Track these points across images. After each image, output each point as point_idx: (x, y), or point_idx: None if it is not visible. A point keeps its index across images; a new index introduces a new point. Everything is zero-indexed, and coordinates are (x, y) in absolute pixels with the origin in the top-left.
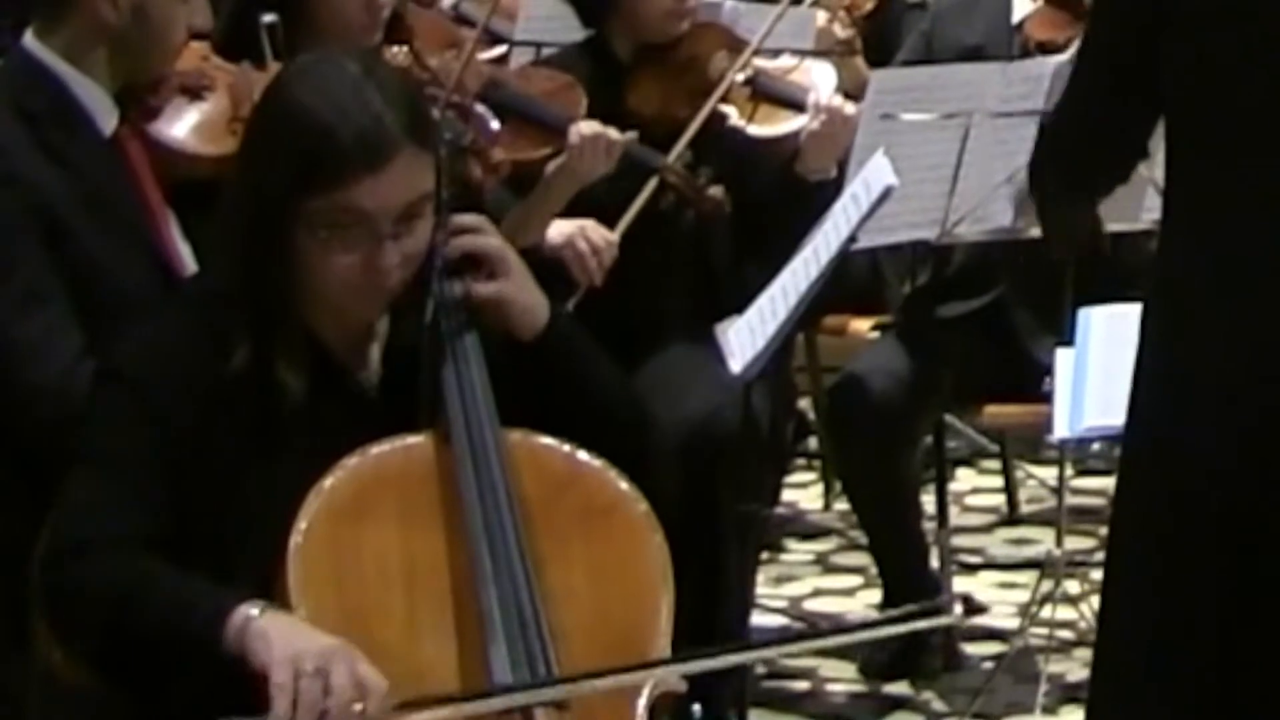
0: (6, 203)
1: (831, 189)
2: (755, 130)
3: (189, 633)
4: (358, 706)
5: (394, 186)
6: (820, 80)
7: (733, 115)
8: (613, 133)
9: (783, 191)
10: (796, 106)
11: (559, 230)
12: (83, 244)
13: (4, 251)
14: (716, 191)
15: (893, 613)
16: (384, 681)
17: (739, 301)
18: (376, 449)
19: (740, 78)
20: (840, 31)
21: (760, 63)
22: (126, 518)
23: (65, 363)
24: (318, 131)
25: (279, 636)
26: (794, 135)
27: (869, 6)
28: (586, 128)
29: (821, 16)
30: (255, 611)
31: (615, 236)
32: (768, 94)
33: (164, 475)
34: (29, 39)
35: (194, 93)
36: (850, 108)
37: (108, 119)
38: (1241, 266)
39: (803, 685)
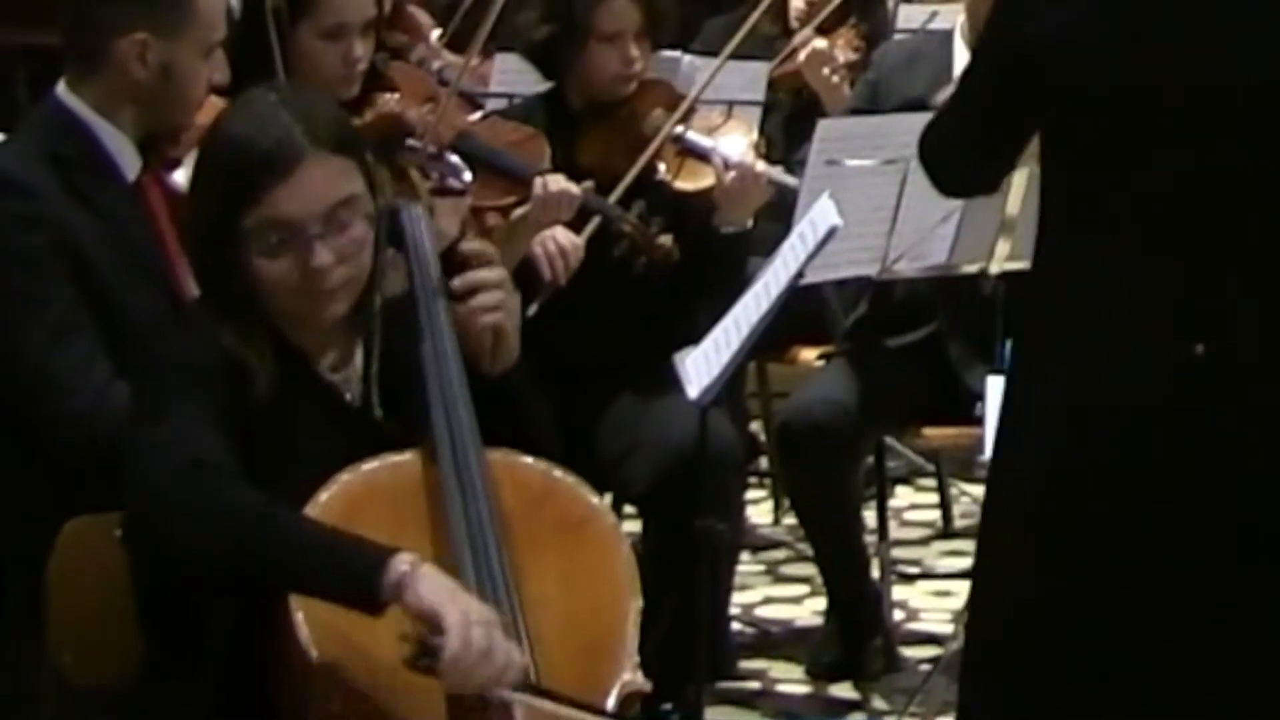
0: (37, 241)
1: (743, 241)
2: (679, 184)
3: (341, 570)
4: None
5: (308, 189)
6: (735, 139)
7: (661, 169)
8: (573, 187)
9: (700, 243)
10: (715, 163)
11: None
12: (106, 281)
13: (37, 286)
14: (666, 240)
15: None
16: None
17: (685, 335)
18: (367, 466)
19: (678, 131)
20: (843, 56)
21: (697, 119)
22: (222, 447)
23: (98, 389)
24: (237, 151)
25: (448, 585)
26: (713, 189)
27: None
28: (552, 183)
29: (820, 42)
30: (413, 559)
31: (581, 240)
32: (691, 150)
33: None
34: (62, 89)
35: None
36: (760, 166)
37: (131, 166)
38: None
39: (754, 685)
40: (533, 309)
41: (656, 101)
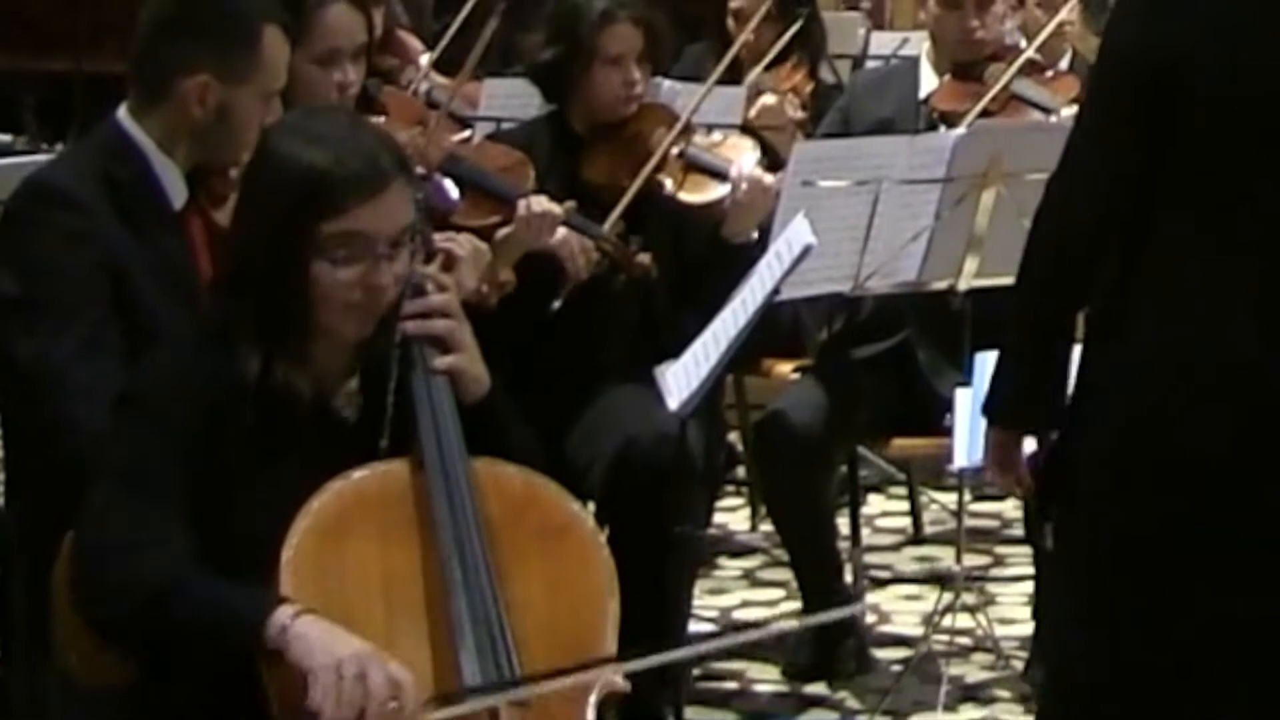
0: (83, 256)
1: (754, 250)
2: (685, 197)
3: (232, 628)
4: (393, 704)
5: (389, 212)
6: (741, 152)
7: (668, 184)
8: (556, 208)
9: (710, 253)
10: (722, 177)
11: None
12: (144, 301)
13: (74, 299)
14: (645, 258)
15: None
16: (413, 680)
17: (676, 347)
18: (358, 474)
19: (675, 150)
20: (792, 112)
21: (696, 138)
22: (157, 523)
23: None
24: (322, 168)
25: (319, 640)
26: (720, 202)
27: (808, 89)
28: (536, 204)
29: (770, 98)
30: (293, 613)
31: (590, 242)
32: (697, 165)
33: (180, 486)
34: (122, 114)
35: None
36: (769, 178)
37: (179, 196)
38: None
39: (732, 685)
40: (557, 303)
41: (658, 122)
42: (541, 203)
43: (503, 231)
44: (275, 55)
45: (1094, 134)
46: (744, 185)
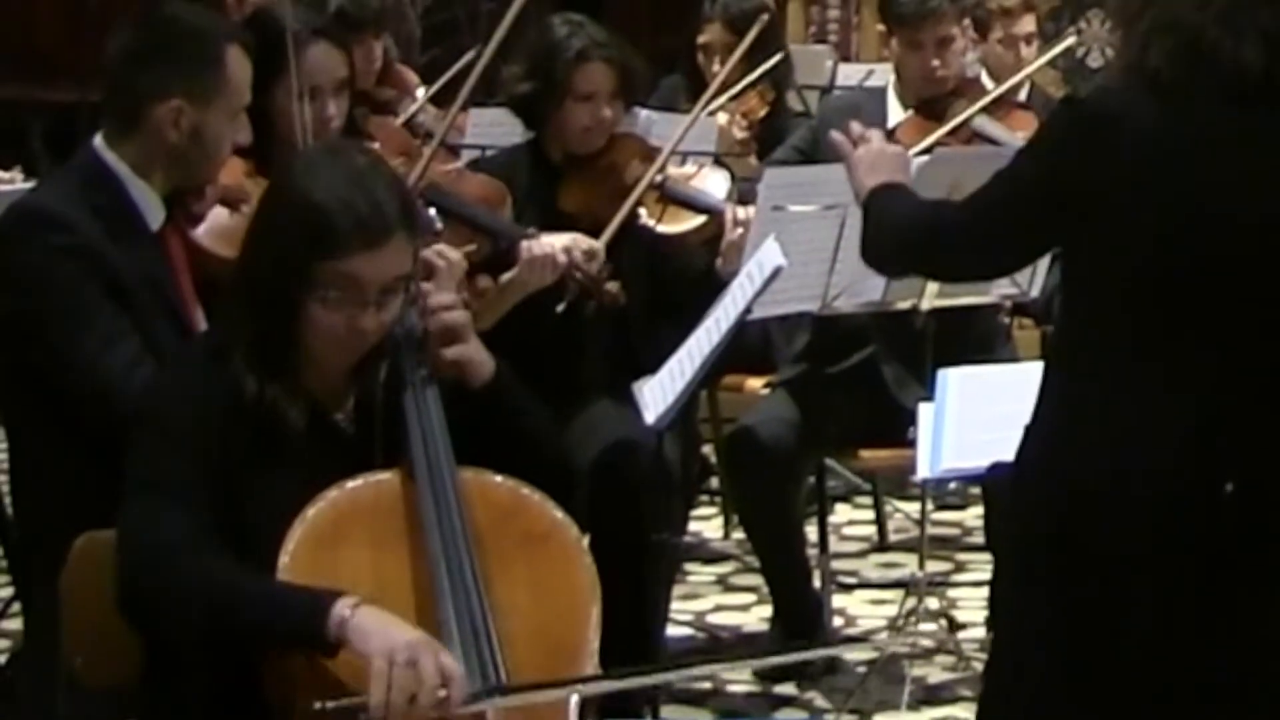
0: (78, 268)
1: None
2: (662, 229)
3: (297, 624)
4: (442, 693)
5: (385, 263)
6: (718, 188)
7: (643, 215)
8: (560, 253)
9: (699, 286)
10: (697, 209)
11: (554, 241)
12: (136, 315)
13: (82, 304)
14: (613, 286)
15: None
16: (463, 671)
17: (653, 365)
18: (351, 484)
19: (659, 179)
20: (738, 134)
21: (669, 169)
22: (194, 522)
23: (145, 383)
24: (329, 210)
25: (376, 629)
26: (694, 232)
27: (762, 113)
28: (538, 247)
29: (723, 118)
30: (351, 605)
31: (600, 245)
32: (673, 198)
33: (202, 496)
34: (99, 142)
35: (232, 205)
36: (751, 211)
37: (156, 217)
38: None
39: (706, 685)
40: (561, 306)
41: (633, 154)
42: (544, 246)
43: (507, 276)
44: (239, 74)
45: (996, 228)
46: (739, 230)
